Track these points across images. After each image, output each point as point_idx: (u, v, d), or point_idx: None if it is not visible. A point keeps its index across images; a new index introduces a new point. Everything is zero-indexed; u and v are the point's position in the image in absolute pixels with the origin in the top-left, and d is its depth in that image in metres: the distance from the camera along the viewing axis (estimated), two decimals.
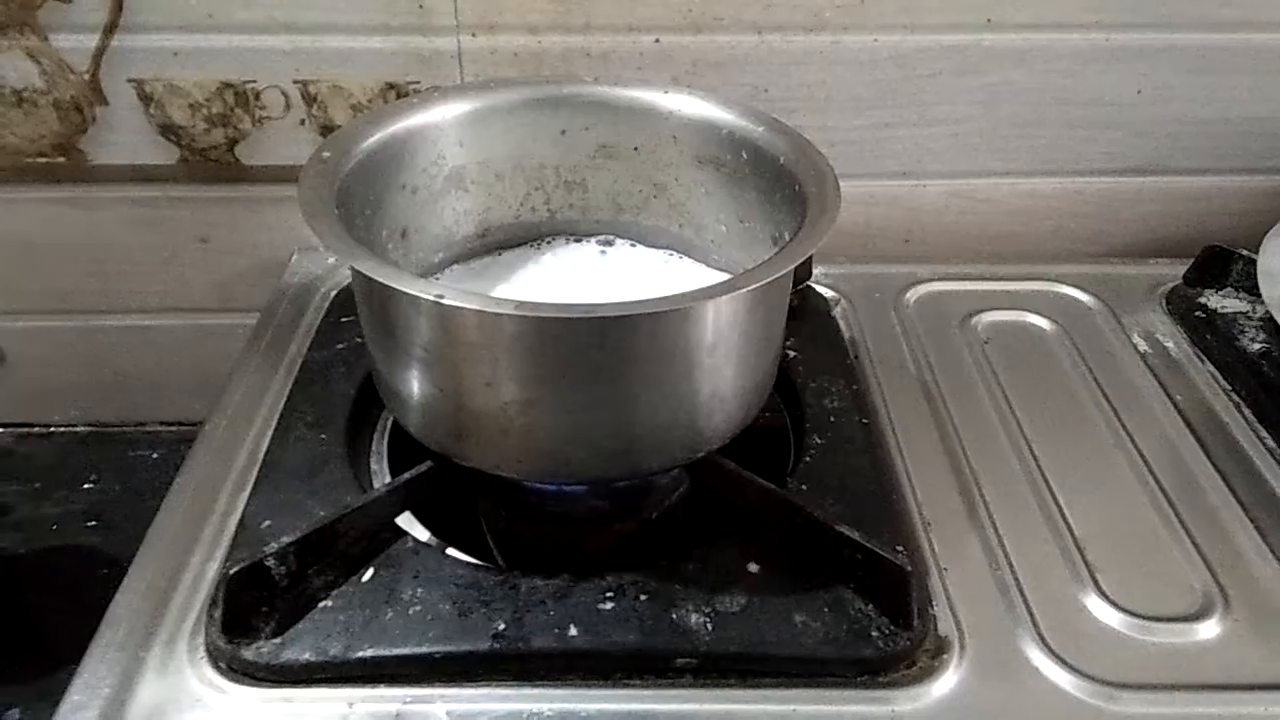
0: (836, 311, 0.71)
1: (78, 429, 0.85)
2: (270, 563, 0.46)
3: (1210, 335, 0.68)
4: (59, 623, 0.66)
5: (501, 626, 0.46)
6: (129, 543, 0.52)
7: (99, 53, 0.69)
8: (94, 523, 0.74)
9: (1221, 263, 0.72)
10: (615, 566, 0.49)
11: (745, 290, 0.44)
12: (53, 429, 0.85)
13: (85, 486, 0.77)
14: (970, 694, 0.46)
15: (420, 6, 0.68)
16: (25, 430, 0.84)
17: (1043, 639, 0.48)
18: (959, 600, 0.50)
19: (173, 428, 0.84)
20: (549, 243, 0.63)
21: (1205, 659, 0.48)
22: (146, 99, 0.71)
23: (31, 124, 0.72)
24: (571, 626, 0.46)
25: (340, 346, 0.63)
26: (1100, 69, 0.73)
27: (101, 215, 0.76)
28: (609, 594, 0.47)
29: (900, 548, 0.49)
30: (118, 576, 0.50)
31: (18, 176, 0.74)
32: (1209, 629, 0.49)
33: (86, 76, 0.70)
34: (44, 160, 0.73)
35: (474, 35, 0.70)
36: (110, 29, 0.68)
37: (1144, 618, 0.49)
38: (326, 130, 0.73)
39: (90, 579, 0.70)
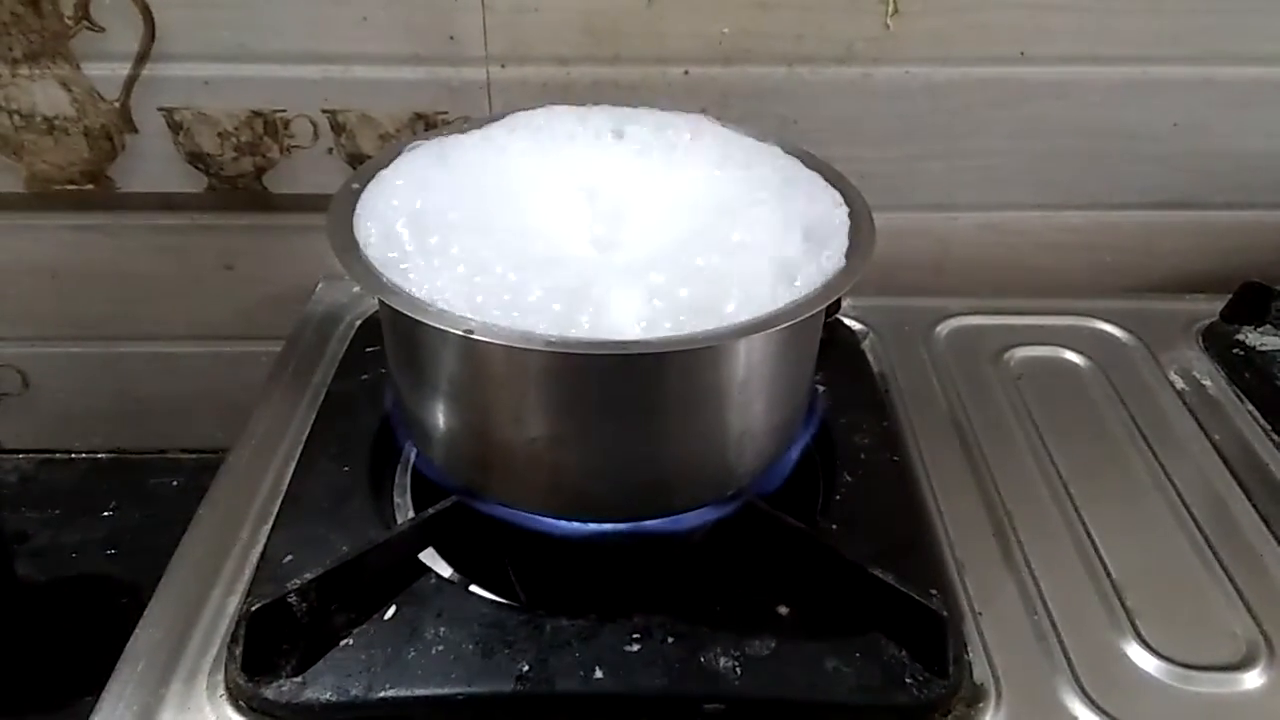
0: (866, 345, 0.70)
1: (99, 456, 0.85)
2: (292, 599, 0.45)
3: (1249, 373, 0.67)
4: (77, 652, 0.66)
5: (526, 668, 0.45)
6: (148, 571, 0.52)
7: (130, 81, 0.69)
8: (113, 551, 0.74)
9: (1260, 299, 0.71)
10: (642, 607, 0.48)
11: (778, 328, 0.43)
12: (74, 455, 0.85)
13: (105, 514, 0.77)
14: None
15: (450, 38, 0.68)
16: (46, 456, 0.84)
17: (1081, 687, 0.47)
18: (995, 646, 0.48)
19: (194, 455, 0.84)
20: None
21: (1249, 710, 0.46)
22: (176, 127, 0.71)
23: (62, 151, 0.72)
24: (597, 669, 0.45)
25: (365, 377, 0.63)
26: (1136, 102, 0.73)
27: (128, 242, 0.77)
28: (635, 635, 0.46)
29: (934, 591, 0.48)
30: (136, 606, 0.49)
31: (47, 203, 0.74)
32: (1253, 679, 0.47)
33: (117, 105, 0.70)
34: (73, 187, 0.74)
35: (503, 66, 0.70)
36: (142, 58, 0.68)
37: (1185, 666, 0.48)
38: (354, 159, 0.73)
39: (109, 608, 0.70)
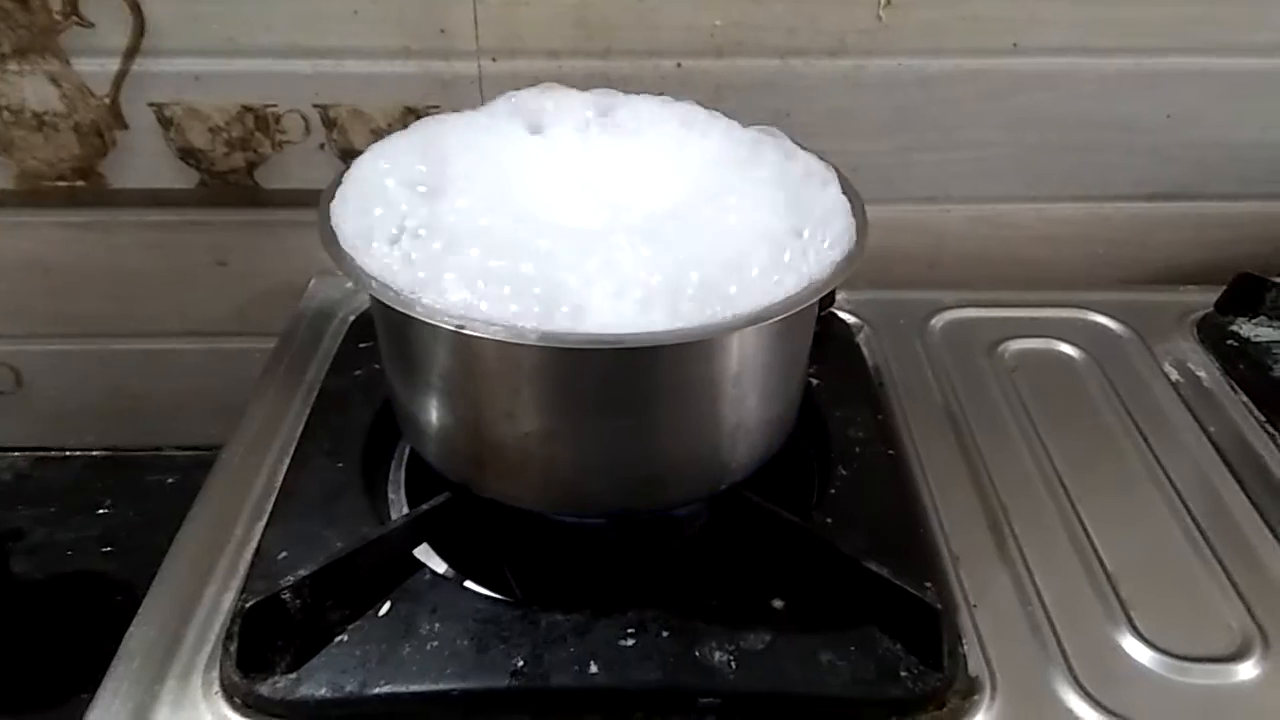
0: (860, 339, 0.70)
1: (94, 453, 0.85)
2: (286, 596, 0.45)
3: (1243, 364, 0.67)
4: (72, 649, 0.66)
5: (521, 663, 0.45)
6: (143, 568, 0.52)
7: (120, 77, 0.69)
8: (109, 548, 0.74)
9: (1254, 290, 0.71)
10: (636, 601, 0.48)
11: (771, 321, 0.43)
12: (68, 453, 0.85)
13: (100, 511, 0.77)
14: None
15: (441, 31, 0.68)
16: (41, 454, 0.84)
17: (1076, 679, 0.47)
18: (989, 639, 0.48)
19: (188, 452, 0.84)
20: None
21: (1243, 701, 0.46)
22: (166, 123, 0.71)
23: (52, 147, 0.72)
24: (592, 663, 0.45)
25: (358, 373, 0.63)
26: (1129, 93, 0.73)
27: (119, 239, 0.76)
28: (630, 630, 0.46)
29: (929, 584, 0.48)
30: (131, 603, 0.49)
31: (37, 200, 0.74)
32: (1247, 670, 0.48)
33: (107, 100, 0.70)
34: (64, 184, 0.73)
35: (494, 60, 0.69)
36: (131, 53, 0.68)
37: (1180, 657, 0.48)
38: (346, 154, 0.72)
39: (104, 606, 0.70)
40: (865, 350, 0.68)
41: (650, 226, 0.46)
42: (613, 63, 0.70)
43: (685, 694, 0.45)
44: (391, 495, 0.57)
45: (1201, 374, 0.67)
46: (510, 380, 0.45)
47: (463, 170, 0.49)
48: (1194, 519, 0.56)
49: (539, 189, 0.50)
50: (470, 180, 0.48)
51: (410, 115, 0.71)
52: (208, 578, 0.51)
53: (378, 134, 0.71)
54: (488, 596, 0.49)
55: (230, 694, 0.45)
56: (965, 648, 0.48)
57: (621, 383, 0.45)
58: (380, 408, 0.59)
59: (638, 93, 0.57)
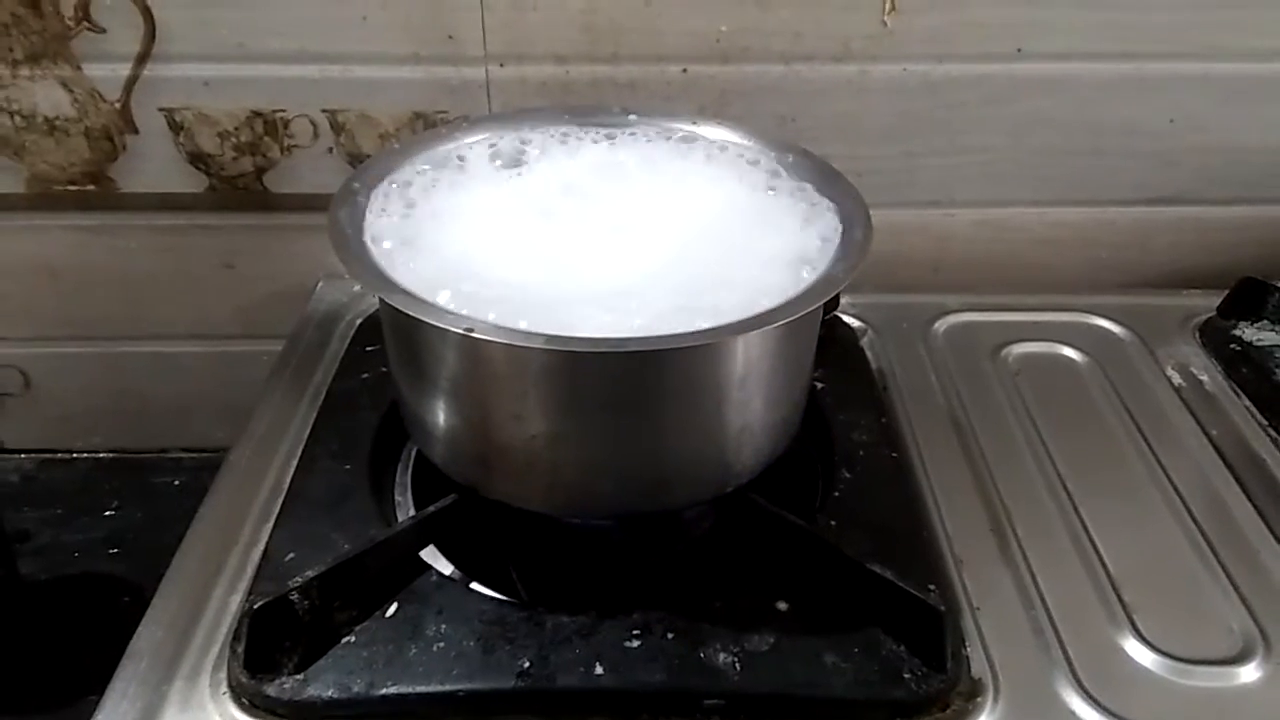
0: (864, 342, 0.70)
1: (100, 455, 0.85)
2: (294, 597, 0.45)
3: (1246, 368, 0.67)
4: (80, 651, 0.66)
5: (527, 664, 0.45)
6: (150, 570, 0.52)
7: (130, 82, 0.70)
8: (115, 550, 0.74)
9: (1256, 294, 0.71)
10: (642, 603, 0.48)
11: (776, 325, 0.43)
12: (75, 455, 0.85)
13: (107, 513, 0.77)
14: None
15: (449, 37, 0.68)
16: (48, 456, 0.84)
17: (1079, 682, 0.47)
18: (993, 641, 0.49)
19: (194, 454, 0.84)
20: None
21: (1246, 703, 0.47)
22: (176, 127, 0.71)
23: (63, 152, 0.72)
24: (598, 665, 0.45)
25: (365, 376, 0.63)
26: (1132, 98, 0.73)
27: (129, 242, 0.77)
28: (636, 631, 0.47)
29: (932, 587, 0.48)
30: (139, 605, 0.50)
31: (48, 203, 0.75)
32: (1249, 673, 0.48)
33: (118, 105, 0.70)
34: (74, 188, 0.74)
35: (502, 65, 0.70)
36: (142, 59, 0.69)
37: (1182, 660, 0.48)
38: (354, 159, 0.73)
39: (111, 607, 0.70)
40: (869, 354, 0.69)
41: (650, 259, 0.47)
42: (619, 68, 0.70)
43: (690, 695, 0.45)
44: (398, 497, 0.57)
45: (1204, 378, 0.67)
46: (517, 383, 0.45)
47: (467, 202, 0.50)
48: (1196, 522, 0.56)
49: (535, 218, 0.51)
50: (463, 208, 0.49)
51: (418, 120, 0.71)
52: (215, 579, 0.51)
53: (385, 139, 0.72)
54: (494, 598, 0.49)
55: (238, 694, 0.45)
56: (968, 650, 0.48)
57: (627, 386, 0.45)
58: (387, 410, 0.59)
59: (644, 100, 0.58)
